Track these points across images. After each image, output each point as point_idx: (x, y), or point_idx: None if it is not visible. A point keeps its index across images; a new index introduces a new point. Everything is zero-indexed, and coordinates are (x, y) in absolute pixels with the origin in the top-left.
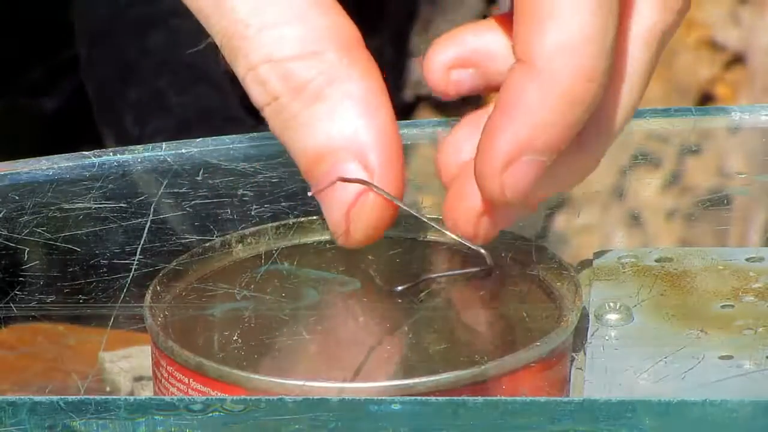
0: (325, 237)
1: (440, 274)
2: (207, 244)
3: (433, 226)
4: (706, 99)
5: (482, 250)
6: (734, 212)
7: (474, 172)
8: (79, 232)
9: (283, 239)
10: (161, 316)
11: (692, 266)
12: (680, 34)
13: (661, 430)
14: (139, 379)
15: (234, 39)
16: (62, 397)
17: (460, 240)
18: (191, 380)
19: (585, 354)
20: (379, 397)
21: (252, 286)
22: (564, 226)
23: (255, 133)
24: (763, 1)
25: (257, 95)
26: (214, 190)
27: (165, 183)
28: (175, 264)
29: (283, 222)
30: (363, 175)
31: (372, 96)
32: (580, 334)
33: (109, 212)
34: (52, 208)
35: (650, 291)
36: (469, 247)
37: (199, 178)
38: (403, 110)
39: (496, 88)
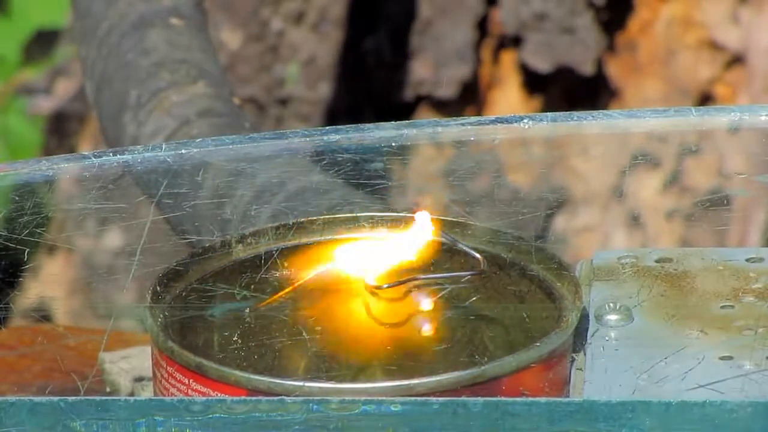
0: (325, 237)
1: (432, 276)
2: (207, 244)
3: (432, 228)
4: (706, 99)
5: (477, 255)
6: (734, 212)
7: None
8: (79, 232)
9: (283, 239)
10: (161, 316)
11: (692, 267)
12: (680, 34)
13: (661, 430)
14: (139, 379)
15: None
16: (62, 397)
17: (456, 242)
18: (191, 381)
19: (585, 354)
20: (379, 398)
21: (252, 286)
22: (564, 226)
23: (255, 133)
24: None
25: None
26: (214, 190)
27: (165, 183)
28: (175, 264)
29: (283, 222)
30: None
31: None
32: (580, 334)
33: (109, 212)
34: (52, 208)
35: (650, 291)
36: (465, 250)
37: (199, 178)
38: (403, 110)
39: None
